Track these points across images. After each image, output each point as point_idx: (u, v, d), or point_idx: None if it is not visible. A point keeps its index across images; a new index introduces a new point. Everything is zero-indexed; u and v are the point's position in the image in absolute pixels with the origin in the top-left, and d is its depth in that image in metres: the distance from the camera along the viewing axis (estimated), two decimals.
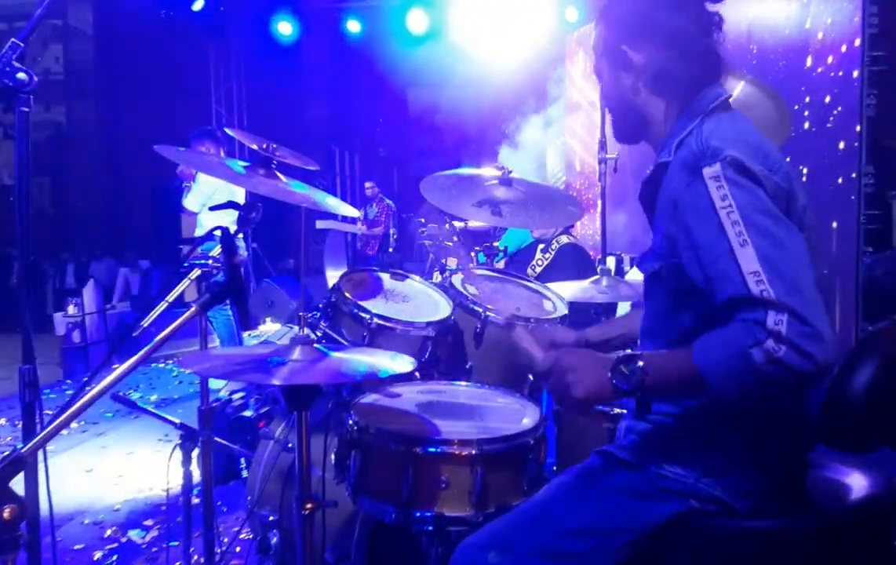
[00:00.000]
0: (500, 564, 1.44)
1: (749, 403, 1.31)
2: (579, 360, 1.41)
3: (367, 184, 9.41)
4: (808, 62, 3.51)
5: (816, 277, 1.29)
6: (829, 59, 3.35)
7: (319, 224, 9.26)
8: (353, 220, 8.78)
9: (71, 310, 6.47)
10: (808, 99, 3.46)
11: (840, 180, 3.26)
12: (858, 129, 3.14)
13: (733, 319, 1.23)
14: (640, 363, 1.31)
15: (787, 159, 1.43)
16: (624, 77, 1.51)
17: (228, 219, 1.76)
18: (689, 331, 1.36)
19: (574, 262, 3.78)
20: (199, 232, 5.89)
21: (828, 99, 3.35)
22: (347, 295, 2.33)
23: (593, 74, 1.63)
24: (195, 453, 2.31)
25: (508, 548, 1.45)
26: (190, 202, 5.76)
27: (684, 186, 1.33)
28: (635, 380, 1.30)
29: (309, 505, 1.63)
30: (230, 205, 1.87)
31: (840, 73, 3.27)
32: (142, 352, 1.38)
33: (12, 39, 1.52)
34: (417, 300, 2.54)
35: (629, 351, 1.35)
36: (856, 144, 3.16)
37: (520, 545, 1.45)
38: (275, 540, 2.21)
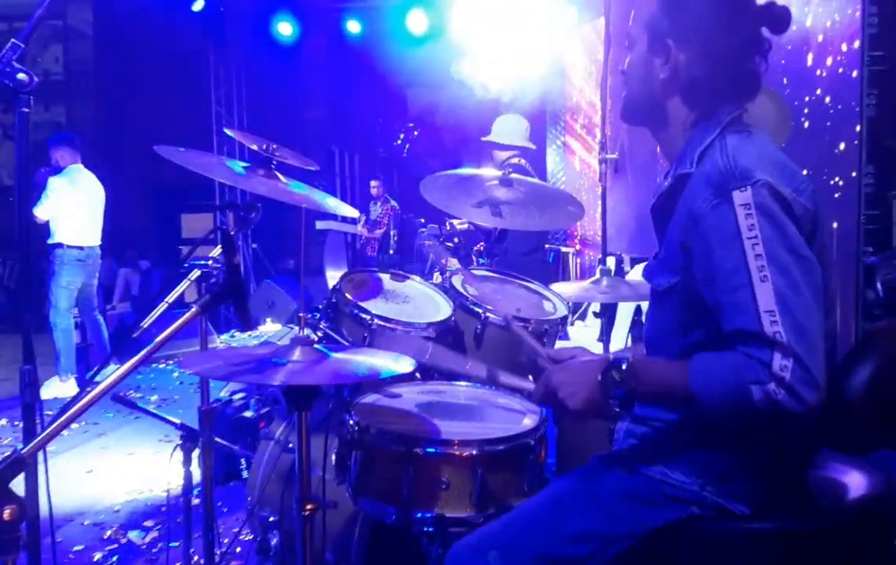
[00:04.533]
0: None
1: (732, 426, 1.35)
2: (567, 376, 1.43)
3: (373, 183, 9.39)
4: (808, 62, 3.51)
5: (827, 303, 1.31)
6: (829, 60, 3.35)
7: (319, 224, 9.26)
8: (354, 221, 8.77)
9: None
10: (808, 99, 3.46)
11: (840, 180, 3.26)
12: (858, 129, 3.14)
13: (736, 349, 1.25)
14: (631, 370, 1.33)
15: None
16: (658, 67, 1.45)
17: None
18: (697, 347, 1.36)
19: None
20: (52, 239, 5.93)
21: (828, 99, 3.35)
22: (348, 295, 2.33)
23: (626, 38, 1.53)
24: (195, 454, 2.31)
25: (507, 551, 1.44)
26: (38, 209, 5.79)
27: (710, 206, 1.31)
28: (626, 388, 1.34)
29: (309, 506, 1.63)
30: (230, 205, 1.87)
31: (840, 73, 3.27)
32: (142, 353, 1.38)
33: (12, 40, 1.52)
34: (418, 301, 2.54)
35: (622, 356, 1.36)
36: (856, 144, 3.16)
37: (518, 548, 1.44)
38: (275, 540, 2.21)
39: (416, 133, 4.18)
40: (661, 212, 1.50)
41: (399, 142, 4.05)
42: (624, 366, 1.33)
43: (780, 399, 1.18)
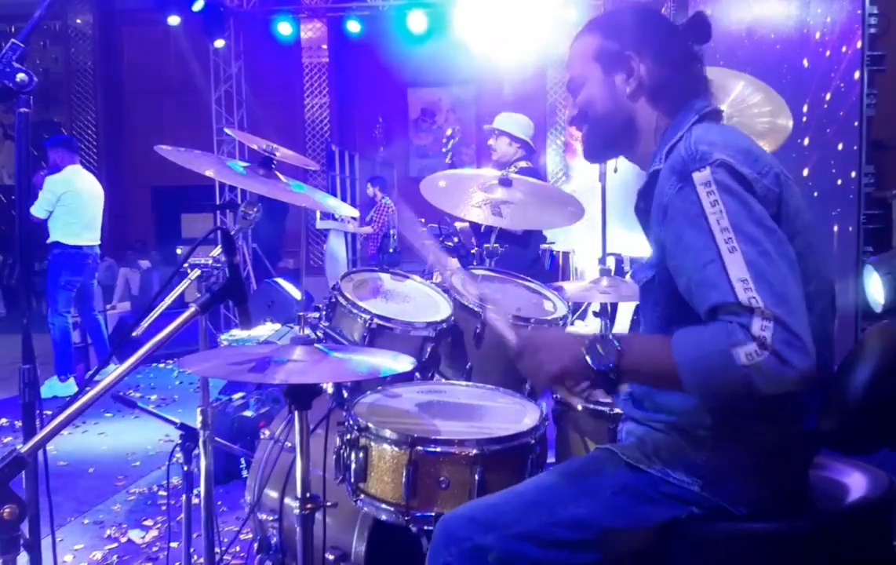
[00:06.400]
0: (488, 543, 1.42)
1: (719, 403, 1.32)
2: (553, 338, 1.43)
3: (368, 186, 9.39)
4: (808, 62, 3.51)
5: (815, 286, 1.33)
6: (829, 59, 3.35)
7: (320, 224, 9.26)
8: (353, 220, 8.76)
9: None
10: (808, 99, 3.46)
11: (840, 180, 3.26)
12: (858, 127, 3.14)
13: (717, 321, 1.23)
14: (617, 344, 1.31)
15: (794, 164, 1.43)
16: (622, 84, 1.51)
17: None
18: None
19: None
20: (51, 239, 5.93)
21: (828, 98, 3.35)
22: (348, 295, 2.33)
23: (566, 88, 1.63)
24: (195, 453, 2.31)
25: (499, 527, 1.43)
26: (34, 209, 5.80)
27: (675, 192, 1.33)
28: (610, 361, 1.31)
29: (309, 505, 1.63)
30: (230, 205, 1.88)
31: (840, 73, 3.27)
32: (141, 352, 1.38)
33: (12, 40, 1.52)
34: (418, 301, 2.54)
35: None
36: (855, 145, 3.16)
37: (512, 526, 1.43)
38: (275, 540, 2.21)
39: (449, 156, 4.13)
40: (642, 213, 1.53)
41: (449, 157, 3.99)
42: (615, 343, 1.31)
43: (764, 362, 1.15)
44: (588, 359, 1.32)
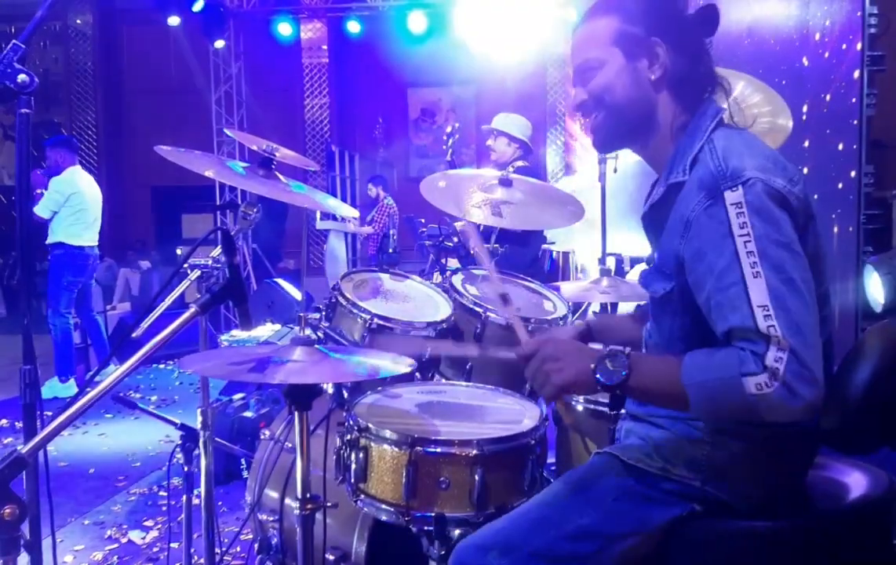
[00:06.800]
0: None
1: (720, 423, 1.37)
2: (564, 349, 1.40)
3: (369, 186, 9.39)
4: (808, 62, 3.51)
5: (824, 289, 1.34)
6: (829, 59, 3.35)
7: (320, 224, 9.25)
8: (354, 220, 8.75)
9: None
10: (807, 99, 3.46)
11: (840, 180, 3.26)
12: (858, 127, 3.14)
13: (731, 345, 1.24)
14: (627, 362, 1.31)
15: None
16: (646, 70, 1.45)
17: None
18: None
19: None
20: (53, 240, 5.92)
21: (828, 98, 3.35)
22: (348, 295, 2.33)
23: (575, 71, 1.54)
24: (195, 454, 2.31)
25: (510, 550, 1.44)
26: (39, 209, 5.81)
27: (702, 209, 1.30)
28: (618, 378, 1.31)
29: (309, 506, 1.63)
30: (230, 205, 1.88)
31: (840, 73, 3.27)
32: (141, 353, 1.38)
33: (13, 41, 1.52)
34: (417, 300, 2.54)
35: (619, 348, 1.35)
36: (855, 144, 3.16)
37: (521, 546, 1.44)
38: (275, 540, 2.21)
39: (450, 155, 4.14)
40: (653, 221, 1.50)
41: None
42: (625, 361, 1.31)
43: (774, 392, 1.17)
44: (597, 374, 1.32)
